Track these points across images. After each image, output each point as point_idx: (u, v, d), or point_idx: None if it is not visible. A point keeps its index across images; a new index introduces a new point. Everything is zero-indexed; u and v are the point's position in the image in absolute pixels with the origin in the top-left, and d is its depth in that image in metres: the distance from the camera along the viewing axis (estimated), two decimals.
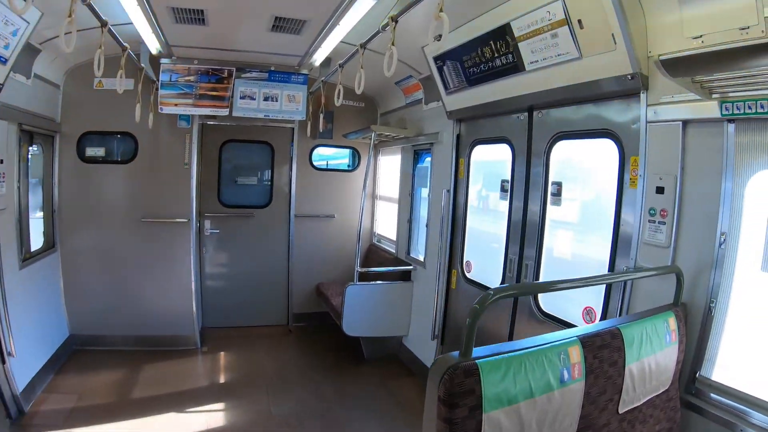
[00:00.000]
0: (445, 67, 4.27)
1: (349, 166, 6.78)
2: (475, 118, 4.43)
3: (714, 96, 2.35)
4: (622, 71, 2.73)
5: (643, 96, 2.75)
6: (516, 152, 3.93)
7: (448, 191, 4.76)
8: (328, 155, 6.91)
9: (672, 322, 2.23)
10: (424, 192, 5.31)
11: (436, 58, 4.30)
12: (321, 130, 6.06)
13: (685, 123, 2.47)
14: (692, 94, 2.36)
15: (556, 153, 3.56)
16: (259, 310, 6.35)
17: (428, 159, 5.36)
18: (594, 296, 3.22)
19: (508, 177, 4.03)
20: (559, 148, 3.53)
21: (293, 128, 6.23)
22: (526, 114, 3.81)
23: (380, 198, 6.68)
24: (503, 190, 4.12)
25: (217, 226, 6.09)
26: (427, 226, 5.24)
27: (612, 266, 3.03)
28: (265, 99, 5.47)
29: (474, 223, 4.63)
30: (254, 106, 5.48)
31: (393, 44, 2.88)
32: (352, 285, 5.06)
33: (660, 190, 2.58)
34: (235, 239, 6.20)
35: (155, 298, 5.43)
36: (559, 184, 3.51)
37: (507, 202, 4.03)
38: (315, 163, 6.52)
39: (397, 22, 3.04)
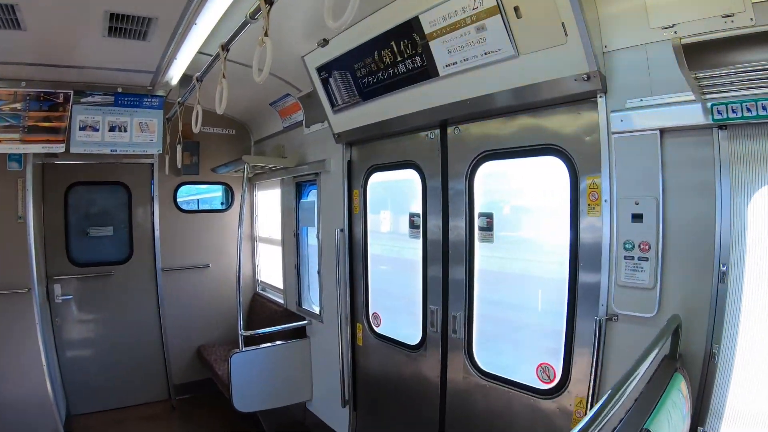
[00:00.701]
0: (331, 80, 3.45)
1: (222, 204, 5.91)
2: (371, 139, 3.65)
3: (706, 97, 1.86)
4: (576, 70, 2.15)
5: (601, 101, 2.19)
6: (427, 179, 3.21)
7: (342, 230, 3.91)
8: (197, 194, 6.08)
9: (684, 387, 1.77)
10: (312, 232, 4.38)
11: (320, 69, 3.46)
12: (185, 165, 5.17)
13: (662, 132, 2.00)
14: (671, 95, 1.97)
15: (483, 178, 2.89)
16: (135, 386, 5.24)
17: (314, 192, 4.47)
18: (547, 349, 2.59)
19: (419, 210, 3.30)
20: (487, 171, 2.88)
21: (152, 164, 5.17)
22: (438, 131, 3.12)
23: (261, 240, 5.90)
24: (413, 226, 3.37)
25: (69, 290, 4.92)
26: (318, 272, 4.33)
27: (571, 317, 2.41)
28: (112, 129, 4.32)
29: (378, 267, 3.82)
30: (97, 138, 4.27)
31: (266, 34, 2.18)
32: (237, 353, 4.11)
33: (637, 218, 2.07)
34: (95, 304, 5.07)
35: None
36: (489, 216, 2.84)
37: (420, 241, 3.29)
38: (181, 205, 5.60)
39: (271, 4, 2.16)
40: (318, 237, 4.33)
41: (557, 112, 2.44)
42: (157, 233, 5.25)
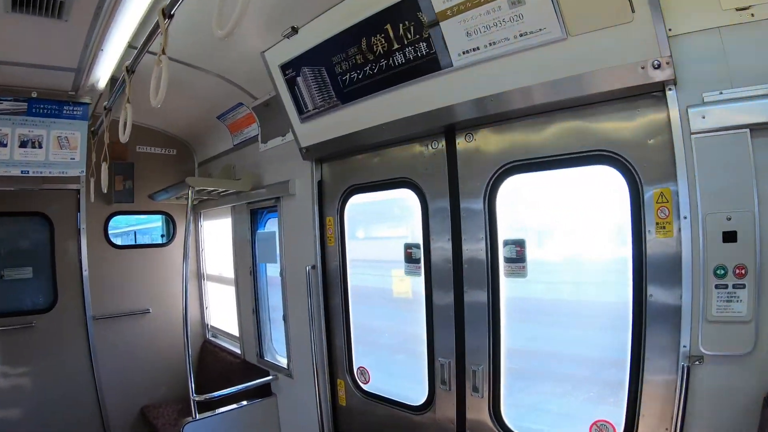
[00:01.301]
0: (300, 79, 2.82)
1: (163, 237, 5.18)
2: (351, 153, 3.03)
3: None
4: (643, 56, 1.71)
5: (671, 94, 1.75)
6: (429, 200, 2.63)
7: (314, 267, 3.25)
8: (134, 224, 5.33)
9: None
10: (274, 269, 3.66)
11: (285, 67, 2.83)
12: (117, 192, 4.58)
13: (752, 130, 1.63)
14: (759, 86, 1.60)
15: (508, 195, 2.35)
16: None
17: (274, 220, 3.79)
18: (603, 400, 2.07)
19: (417, 239, 2.71)
20: (513, 187, 2.34)
21: (79, 190, 4.36)
22: (443, 140, 2.56)
23: (209, 278, 5.17)
24: (411, 260, 2.76)
25: None
26: (284, 319, 3.61)
27: (636, 362, 1.91)
28: (23, 144, 3.45)
29: (364, 311, 3.17)
30: (5, 156, 3.39)
31: (164, 52, 1.99)
32: (190, 423, 3.32)
33: (730, 237, 1.66)
34: (15, 361, 4.18)
35: None
36: (518, 244, 2.29)
37: (421, 278, 2.69)
38: (114, 239, 4.85)
39: (171, 17, 1.74)
40: (281, 275, 3.62)
41: (609, 110, 1.95)
42: (85, 274, 4.44)
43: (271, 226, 3.92)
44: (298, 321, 3.47)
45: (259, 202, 3.90)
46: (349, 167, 3.09)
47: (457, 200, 2.47)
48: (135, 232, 5.38)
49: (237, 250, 4.36)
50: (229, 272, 4.51)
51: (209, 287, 5.15)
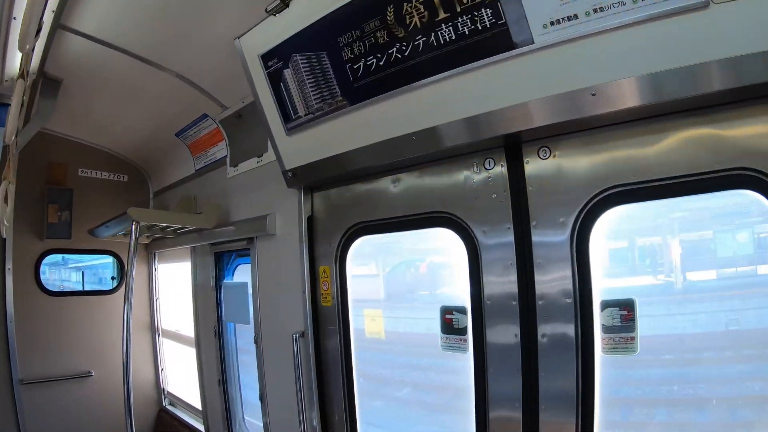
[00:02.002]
0: (288, 73, 2.08)
1: (113, 281, 4.36)
2: (355, 178, 2.27)
3: None
4: None
5: None
6: (481, 245, 1.86)
7: (303, 335, 2.42)
8: (76, 262, 4.48)
9: None
10: (246, 332, 2.84)
11: (268, 56, 2.09)
12: (51, 224, 3.86)
13: None
14: None
15: (604, 236, 1.61)
16: None
17: (245, 267, 2.97)
18: None
19: (461, 299, 1.94)
20: (612, 224, 1.60)
21: (3, 228, 3.46)
22: (502, 156, 1.81)
23: (165, 334, 4.38)
24: (451, 329, 1.97)
25: None
26: (261, 399, 2.75)
27: None
28: None
29: (379, 397, 2.35)
30: None
31: None
32: None
33: None
34: None
35: None
36: (626, 306, 1.53)
37: (469, 355, 1.90)
38: (48, 284, 4.01)
39: None
40: (256, 343, 2.78)
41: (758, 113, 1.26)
42: (11, 326, 3.58)
43: (243, 274, 3.09)
44: (279, 404, 2.65)
45: (226, 244, 3.07)
46: (354, 198, 2.31)
47: (527, 244, 1.71)
48: (82, 273, 4.51)
49: (198, 303, 3.54)
50: (189, 329, 3.70)
51: (166, 344, 4.35)
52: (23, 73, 2.27)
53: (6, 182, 2.46)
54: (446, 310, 1.96)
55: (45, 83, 2.79)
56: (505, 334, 1.76)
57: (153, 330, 4.39)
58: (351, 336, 2.34)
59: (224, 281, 3.20)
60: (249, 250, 2.82)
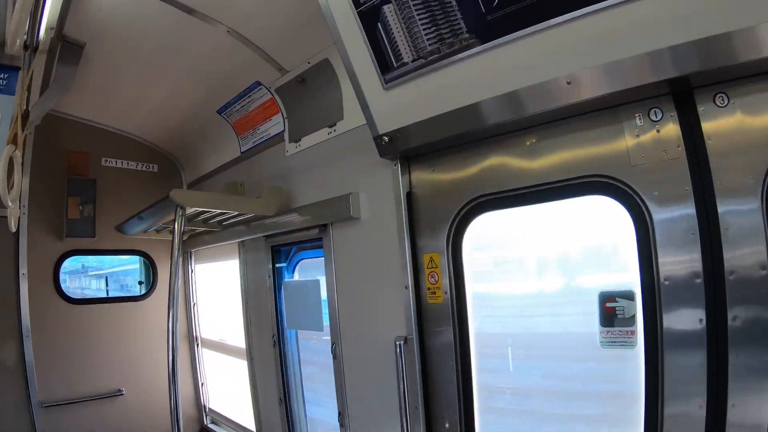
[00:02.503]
0: (389, 9, 1.70)
1: (142, 285, 4.05)
2: (471, 140, 1.88)
3: None
4: None
5: None
6: (653, 216, 1.48)
7: (407, 340, 2.02)
8: (96, 269, 4.26)
9: None
10: (316, 340, 2.48)
11: None
12: (70, 221, 3.54)
13: None
14: None
15: None
16: None
17: (312, 262, 2.60)
18: None
19: (624, 281, 1.56)
20: None
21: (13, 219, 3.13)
22: (671, 106, 1.46)
23: (205, 344, 4.04)
24: (613, 320, 1.59)
25: None
26: (341, 422, 2.38)
27: None
28: None
29: (509, 414, 1.96)
30: None
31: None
32: None
33: None
34: None
35: None
36: None
37: (638, 352, 1.52)
38: (69, 291, 3.69)
39: None
40: (334, 352, 2.40)
41: None
42: (28, 343, 3.31)
43: (308, 271, 2.72)
44: (366, 424, 2.30)
45: (287, 234, 2.69)
46: (471, 165, 1.92)
47: (711, 209, 1.38)
48: (105, 278, 4.33)
49: (250, 308, 3.18)
50: (237, 338, 3.36)
51: (206, 355, 4.03)
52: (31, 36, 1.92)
53: (10, 147, 2.08)
54: (606, 297, 1.58)
55: (65, 48, 2.47)
56: (687, 319, 1.41)
57: (191, 339, 4.09)
58: (470, 339, 1.95)
59: (285, 280, 2.82)
60: (321, 241, 2.43)
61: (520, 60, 1.55)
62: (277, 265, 2.91)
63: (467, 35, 1.61)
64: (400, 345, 2.00)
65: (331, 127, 2.38)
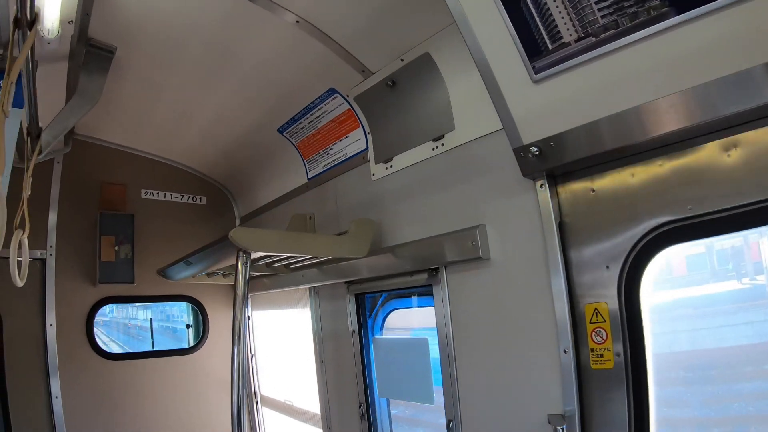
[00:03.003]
0: None
1: (189, 328, 3.76)
2: (650, 150, 1.41)
3: None
4: None
5: None
6: None
7: (563, 417, 1.53)
8: (134, 320, 4.31)
9: None
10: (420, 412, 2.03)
11: None
12: (104, 263, 3.26)
13: None
14: None
15: None
16: None
17: (414, 312, 2.14)
18: None
19: None
20: None
21: (43, 260, 3.10)
22: None
23: (268, 404, 3.65)
24: None
25: None
26: None
27: None
28: None
29: None
30: None
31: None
32: None
33: None
34: None
35: None
36: None
37: None
38: (104, 344, 3.43)
39: None
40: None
41: None
42: (57, 406, 2.98)
43: (403, 322, 2.26)
44: None
45: (381, 282, 2.24)
46: (646, 183, 1.44)
47: None
48: (151, 321, 4.06)
49: (327, 368, 2.74)
50: (309, 402, 2.95)
51: (268, 415, 3.62)
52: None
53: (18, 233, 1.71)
54: None
55: (91, 55, 2.15)
56: None
57: (249, 397, 3.73)
58: (651, 418, 1.45)
59: (377, 337, 2.36)
60: (430, 287, 1.97)
61: (732, 37, 1.09)
62: (363, 314, 2.48)
63: (658, 3, 1.16)
64: (562, 430, 1.51)
65: (436, 140, 1.94)
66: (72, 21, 1.85)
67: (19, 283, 1.76)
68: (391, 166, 2.16)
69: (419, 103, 1.99)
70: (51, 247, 3.05)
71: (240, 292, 1.92)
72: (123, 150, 3.42)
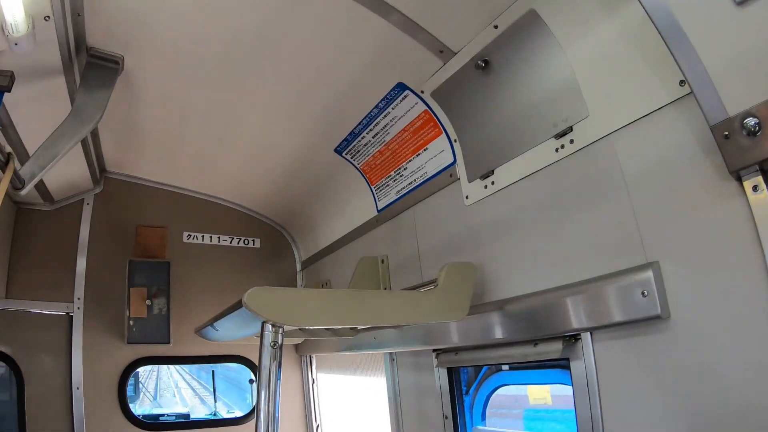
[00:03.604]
0: None
1: (252, 383, 3.55)
2: None
3: None
4: None
5: None
6: None
7: None
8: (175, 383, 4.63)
9: None
10: None
11: None
12: (136, 320, 3.02)
13: None
14: None
15: None
16: None
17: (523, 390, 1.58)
18: None
19: None
20: None
21: (71, 315, 2.97)
22: None
23: None
24: None
25: None
26: None
27: None
28: None
29: None
30: None
31: None
32: None
33: None
34: None
35: None
36: None
37: None
38: (139, 411, 3.49)
39: None
40: None
41: None
42: None
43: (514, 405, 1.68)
44: None
45: (486, 352, 1.67)
46: None
47: None
48: (213, 372, 4.11)
49: None
50: None
51: None
52: None
53: None
54: None
55: (90, 66, 1.84)
56: None
57: None
58: None
59: (479, 428, 1.76)
60: (567, 361, 1.37)
61: None
62: (458, 387, 1.92)
63: None
64: None
65: (560, 137, 1.38)
66: (48, 17, 1.48)
67: None
68: (492, 183, 1.61)
69: (526, 87, 1.45)
70: (79, 299, 2.89)
71: (266, 373, 1.38)
72: (160, 188, 3.25)
